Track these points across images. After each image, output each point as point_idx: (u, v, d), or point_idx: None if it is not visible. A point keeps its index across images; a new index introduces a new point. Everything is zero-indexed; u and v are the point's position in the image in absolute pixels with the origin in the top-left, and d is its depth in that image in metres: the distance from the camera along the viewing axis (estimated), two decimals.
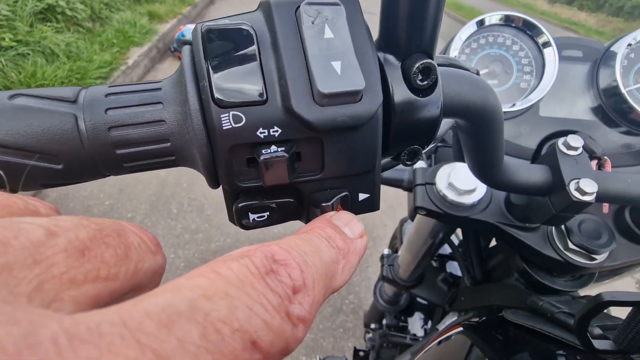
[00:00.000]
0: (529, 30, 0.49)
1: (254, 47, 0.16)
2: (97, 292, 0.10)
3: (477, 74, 0.28)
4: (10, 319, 0.07)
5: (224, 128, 0.15)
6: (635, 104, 0.45)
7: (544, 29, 0.48)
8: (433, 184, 0.44)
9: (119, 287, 0.11)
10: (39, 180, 0.17)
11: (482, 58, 0.50)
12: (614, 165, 0.45)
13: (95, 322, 0.07)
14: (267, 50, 0.16)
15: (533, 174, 0.33)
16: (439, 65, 0.25)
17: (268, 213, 0.18)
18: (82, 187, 1.76)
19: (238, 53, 0.15)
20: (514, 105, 0.47)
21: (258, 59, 0.16)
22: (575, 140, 0.33)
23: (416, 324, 0.92)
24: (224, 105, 0.15)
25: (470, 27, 0.49)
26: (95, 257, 0.11)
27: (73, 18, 2.51)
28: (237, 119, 0.15)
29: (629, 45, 0.47)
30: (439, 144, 0.52)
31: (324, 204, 0.18)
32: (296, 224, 0.20)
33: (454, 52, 0.48)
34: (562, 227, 0.40)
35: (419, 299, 0.91)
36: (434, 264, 0.77)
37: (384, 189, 0.51)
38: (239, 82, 0.15)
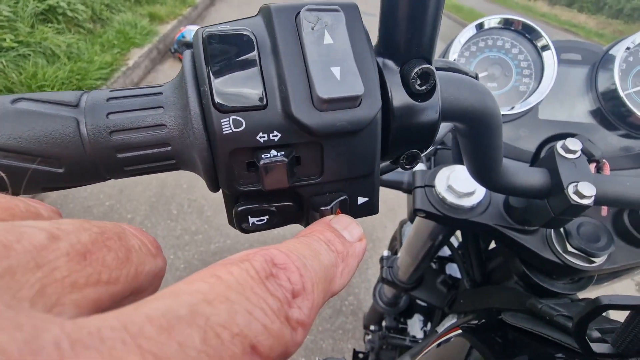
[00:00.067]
0: (528, 33, 0.49)
1: (255, 52, 0.16)
2: (99, 295, 0.10)
3: (476, 77, 0.28)
4: (13, 323, 0.07)
5: (224, 132, 0.16)
6: (633, 107, 0.45)
7: (543, 33, 0.48)
8: (432, 186, 0.45)
9: (120, 290, 0.11)
10: (40, 184, 0.17)
11: (482, 61, 0.50)
12: (612, 168, 0.45)
13: (97, 327, 0.08)
14: (268, 56, 0.16)
15: (532, 177, 0.33)
16: (438, 69, 0.25)
17: (267, 217, 0.18)
18: (82, 188, 1.76)
19: (239, 58, 0.16)
20: (512, 108, 0.47)
21: (258, 64, 0.16)
22: (574, 144, 0.33)
23: (416, 326, 0.92)
24: (225, 110, 0.15)
25: (470, 30, 0.49)
26: (97, 260, 0.11)
27: (74, 19, 2.52)
28: (237, 124, 0.16)
29: (628, 48, 0.47)
30: (439, 147, 0.53)
31: (323, 208, 0.18)
32: (296, 226, 0.21)
33: (453, 55, 0.49)
34: (561, 230, 0.40)
35: (418, 301, 0.91)
36: (434, 266, 0.77)
37: (384, 191, 0.51)
38: (239, 87, 0.15)
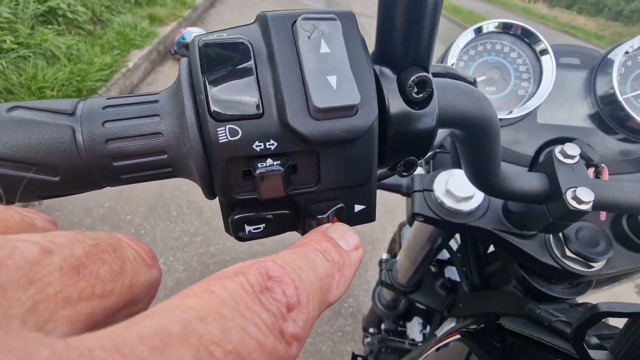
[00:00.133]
0: (526, 37, 0.49)
1: (251, 61, 0.16)
2: (92, 309, 0.10)
3: (474, 82, 0.28)
4: (3, 346, 0.07)
5: (220, 141, 0.15)
6: (632, 112, 0.45)
7: (541, 37, 0.48)
8: (431, 190, 0.45)
9: (114, 303, 0.11)
10: (35, 192, 0.17)
11: (480, 65, 0.50)
12: (611, 173, 0.45)
13: (88, 348, 0.07)
14: (264, 65, 0.16)
15: (530, 182, 0.33)
16: (435, 74, 0.25)
17: (264, 225, 0.18)
18: None
19: (235, 67, 0.16)
20: (511, 112, 0.47)
21: (255, 73, 0.16)
22: (572, 149, 0.33)
23: (415, 329, 0.92)
24: (221, 119, 0.15)
25: (468, 34, 0.49)
26: (91, 274, 0.11)
27: (74, 21, 2.52)
28: (233, 133, 0.15)
29: (626, 52, 0.47)
30: (437, 150, 0.53)
31: (319, 216, 0.18)
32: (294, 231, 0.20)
33: (452, 59, 0.49)
34: (560, 234, 0.40)
35: (417, 304, 0.91)
36: (433, 269, 0.77)
37: (383, 192, 0.51)
38: (235, 96, 0.15)
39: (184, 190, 1.86)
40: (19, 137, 0.15)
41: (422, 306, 0.88)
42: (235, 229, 0.18)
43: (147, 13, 3.31)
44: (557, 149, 0.33)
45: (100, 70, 2.24)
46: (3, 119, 0.16)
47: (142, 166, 0.17)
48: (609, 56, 0.48)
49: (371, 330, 1.06)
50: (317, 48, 0.16)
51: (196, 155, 0.16)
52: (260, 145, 0.16)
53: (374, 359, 0.98)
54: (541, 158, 0.47)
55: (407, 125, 0.19)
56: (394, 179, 0.53)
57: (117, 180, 0.17)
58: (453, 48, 0.49)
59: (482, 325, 0.46)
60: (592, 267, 0.39)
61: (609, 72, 0.46)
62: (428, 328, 0.90)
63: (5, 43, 1.93)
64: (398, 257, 0.77)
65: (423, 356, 0.49)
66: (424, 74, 0.18)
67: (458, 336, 0.45)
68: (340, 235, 0.17)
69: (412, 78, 0.18)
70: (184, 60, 0.17)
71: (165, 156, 0.17)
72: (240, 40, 0.16)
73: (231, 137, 0.15)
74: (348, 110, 0.16)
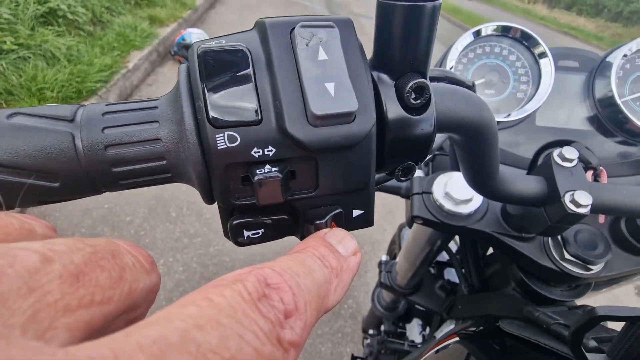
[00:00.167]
0: (525, 40, 0.49)
1: (249, 69, 0.16)
2: (91, 316, 0.10)
3: (473, 85, 0.29)
4: (4, 355, 0.07)
5: (219, 148, 0.16)
6: (630, 115, 0.45)
7: (540, 40, 0.48)
8: (430, 193, 0.45)
9: (113, 309, 0.11)
10: (35, 198, 0.17)
11: (479, 68, 0.50)
12: (610, 175, 0.45)
13: (88, 357, 0.08)
14: (262, 72, 0.16)
15: (528, 185, 0.33)
16: (434, 78, 0.25)
17: (263, 230, 0.18)
18: None
19: (233, 74, 0.16)
20: (509, 115, 0.47)
21: (253, 80, 0.16)
22: (570, 152, 0.33)
23: (414, 331, 0.92)
24: (219, 126, 0.15)
25: (467, 37, 0.49)
26: (90, 281, 0.11)
27: (74, 22, 2.52)
28: (232, 139, 0.16)
29: (625, 56, 0.47)
30: (437, 152, 0.53)
31: (318, 222, 0.18)
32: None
33: (450, 62, 0.49)
34: (559, 237, 0.40)
35: (417, 306, 0.91)
36: (432, 270, 0.77)
37: (383, 194, 0.51)
38: (234, 103, 0.16)
39: (184, 192, 1.86)
40: (19, 144, 0.15)
41: (421, 308, 0.88)
42: (234, 234, 0.18)
43: (147, 14, 3.31)
44: (556, 153, 0.34)
45: (100, 71, 2.24)
46: (3, 126, 0.16)
47: (142, 172, 0.17)
48: (608, 59, 0.48)
49: (371, 331, 1.06)
50: (315, 55, 0.16)
51: (195, 161, 0.16)
52: (259, 152, 0.16)
53: None
54: (540, 160, 0.47)
55: (405, 131, 0.19)
56: (394, 181, 0.53)
57: (117, 186, 0.18)
58: (452, 51, 0.49)
59: (481, 328, 0.46)
60: (590, 269, 0.39)
61: (607, 75, 0.47)
62: (427, 329, 0.90)
63: (5, 44, 1.93)
64: (397, 259, 0.77)
65: (422, 358, 0.49)
66: (422, 80, 0.18)
67: (457, 338, 0.45)
68: (338, 241, 0.17)
69: (410, 84, 0.18)
70: (183, 67, 0.17)
71: (165, 162, 0.17)
72: (239, 48, 0.16)
73: (230, 143, 0.16)
74: (346, 117, 0.16)
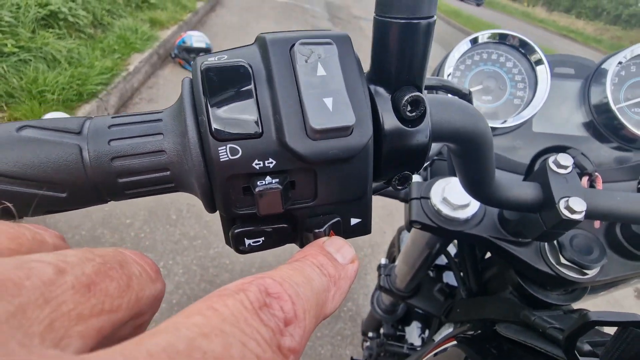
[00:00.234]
0: (522, 48, 0.50)
1: (251, 85, 0.17)
2: (102, 324, 0.11)
3: (469, 93, 0.29)
4: None
5: (221, 160, 0.16)
6: (625, 121, 0.46)
7: (536, 47, 0.49)
8: (428, 198, 0.45)
9: (121, 317, 0.12)
10: (44, 208, 0.17)
11: (477, 74, 0.51)
12: (605, 181, 0.45)
13: None
14: (263, 87, 0.17)
15: (524, 191, 0.33)
16: (430, 87, 0.26)
17: (263, 238, 0.19)
18: None
19: (236, 90, 0.16)
20: (506, 121, 0.48)
21: (254, 95, 0.17)
22: (565, 159, 0.34)
23: (413, 333, 0.92)
24: (222, 139, 0.16)
25: (464, 44, 0.50)
26: (100, 291, 0.11)
27: (75, 24, 2.54)
28: (233, 152, 0.16)
29: (620, 63, 0.48)
30: (435, 157, 0.53)
31: (316, 230, 0.19)
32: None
33: (448, 69, 0.49)
34: (555, 242, 0.40)
35: (416, 309, 0.91)
36: (431, 274, 0.78)
37: (383, 197, 0.51)
38: (236, 117, 0.16)
39: (184, 195, 1.86)
40: (28, 156, 0.16)
41: (420, 311, 0.89)
42: (235, 243, 0.19)
43: (148, 17, 3.33)
44: (551, 159, 0.34)
45: (101, 74, 2.25)
46: (13, 138, 0.16)
47: (146, 182, 0.18)
48: (603, 66, 0.49)
49: (370, 334, 1.06)
50: (314, 71, 0.17)
51: (198, 173, 0.17)
52: (260, 164, 0.17)
53: None
54: (536, 166, 0.48)
55: (401, 142, 0.20)
56: None
57: (122, 196, 0.18)
58: (450, 58, 0.50)
59: (479, 332, 0.46)
60: (586, 274, 0.39)
61: (602, 82, 0.47)
62: (427, 332, 0.91)
63: (7, 47, 1.94)
64: (397, 262, 0.77)
65: None
66: (417, 93, 0.19)
67: (455, 342, 0.45)
68: (336, 249, 0.18)
69: (406, 97, 0.19)
70: (187, 81, 0.18)
71: (168, 173, 0.18)
72: (241, 64, 0.17)
73: (232, 155, 0.16)
74: (343, 131, 0.17)
